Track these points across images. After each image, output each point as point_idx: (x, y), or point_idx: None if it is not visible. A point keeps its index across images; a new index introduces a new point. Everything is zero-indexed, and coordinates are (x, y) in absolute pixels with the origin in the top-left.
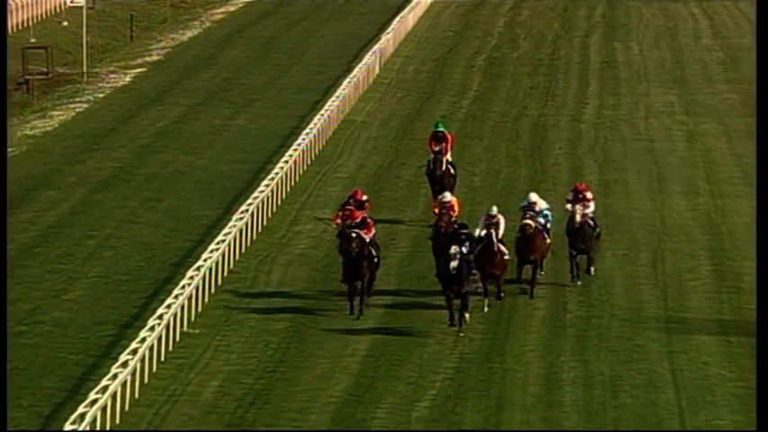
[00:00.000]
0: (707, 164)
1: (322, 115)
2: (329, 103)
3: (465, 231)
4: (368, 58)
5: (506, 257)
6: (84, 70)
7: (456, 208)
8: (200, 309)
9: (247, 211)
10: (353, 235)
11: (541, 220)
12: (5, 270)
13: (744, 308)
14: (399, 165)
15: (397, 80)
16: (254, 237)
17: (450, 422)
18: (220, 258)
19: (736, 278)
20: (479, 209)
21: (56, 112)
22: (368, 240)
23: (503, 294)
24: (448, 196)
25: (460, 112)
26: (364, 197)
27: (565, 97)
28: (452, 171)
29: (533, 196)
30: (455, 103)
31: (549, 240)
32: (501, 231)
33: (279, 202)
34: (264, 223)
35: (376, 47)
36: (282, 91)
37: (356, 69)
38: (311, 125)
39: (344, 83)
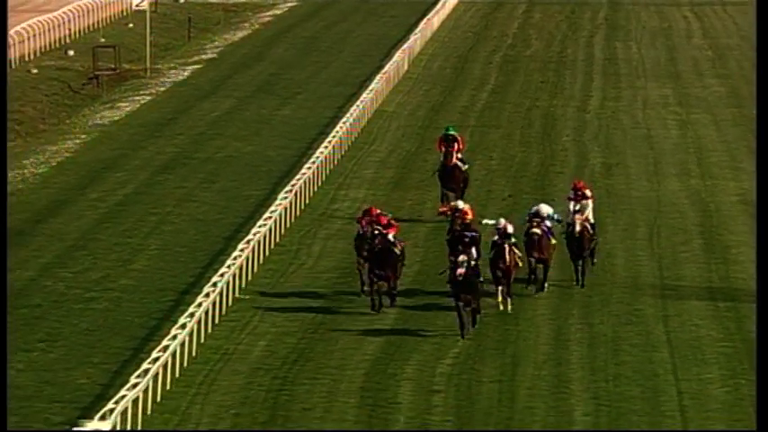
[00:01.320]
0: (697, 149)
1: (357, 106)
2: (363, 95)
3: (469, 234)
4: (398, 56)
5: (518, 260)
6: (148, 66)
7: (470, 215)
8: (249, 277)
9: (291, 190)
10: (376, 232)
11: (548, 223)
12: (5, 270)
13: (730, 277)
14: (425, 150)
15: (424, 75)
16: (298, 213)
17: (470, 377)
18: (267, 232)
19: (723, 250)
20: (497, 189)
21: (122, 104)
22: (392, 239)
23: (511, 296)
24: (461, 204)
25: (479, 104)
26: (377, 211)
27: (572, 90)
28: (463, 168)
29: (543, 208)
30: (474, 95)
31: (554, 241)
32: (511, 233)
33: (319, 183)
34: (306, 201)
35: (405, 45)
36: (322, 85)
37: (387, 65)
38: (348, 115)
39: (377, 77)
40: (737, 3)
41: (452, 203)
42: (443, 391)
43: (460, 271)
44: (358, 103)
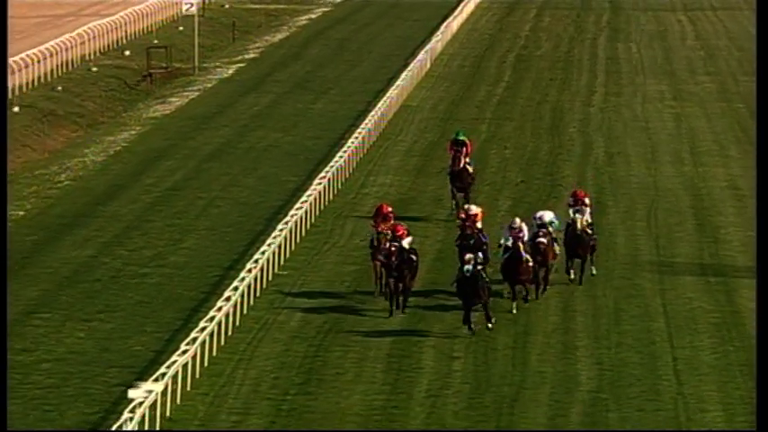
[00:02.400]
0: (690, 139)
1: (384, 101)
2: (390, 91)
3: (473, 239)
4: (421, 56)
5: (530, 264)
6: (196, 65)
7: (480, 218)
8: (288, 255)
9: (325, 177)
10: (393, 248)
11: (552, 230)
12: (5, 274)
13: (720, 254)
14: (446, 140)
15: (444, 73)
16: (331, 197)
17: (486, 345)
18: (304, 215)
19: (713, 230)
20: (510, 175)
21: (173, 99)
22: (407, 246)
23: (529, 297)
24: (474, 209)
25: (494, 99)
26: (389, 209)
27: (577, 86)
28: (470, 170)
29: (546, 215)
30: (490, 91)
31: (558, 248)
32: (525, 238)
33: (350, 170)
34: (339, 187)
35: (427, 46)
36: (353, 81)
37: (412, 64)
38: (376, 109)
39: (402, 75)
40: (727, 8)
41: (465, 206)
42: (462, 357)
43: (468, 267)
44: (385, 98)
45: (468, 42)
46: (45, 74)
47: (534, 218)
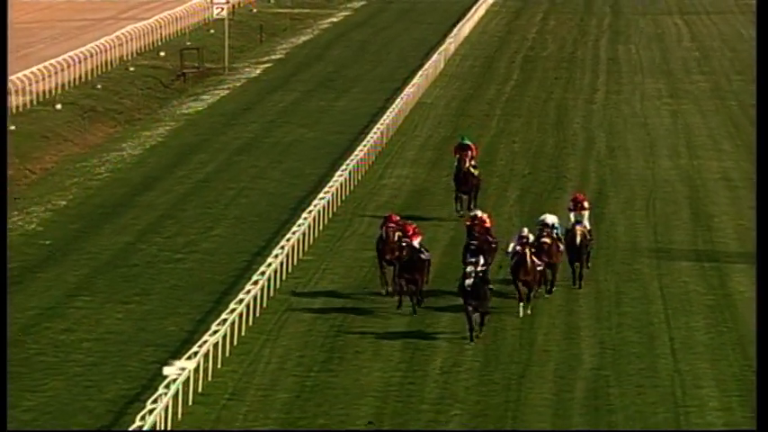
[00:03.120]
0: (686, 134)
1: (401, 98)
2: (407, 89)
3: (475, 243)
4: (435, 57)
5: (539, 268)
6: (226, 65)
7: (487, 222)
8: (311, 242)
9: (346, 169)
10: (404, 244)
11: (555, 232)
12: (6, 278)
13: (714, 241)
14: (458, 134)
15: (457, 72)
16: (352, 188)
17: (496, 325)
18: (326, 204)
19: (707, 219)
20: (518, 167)
21: (205, 97)
22: (418, 246)
23: (534, 295)
24: (479, 213)
25: (503, 96)
26: (397, 218)
27: (581, 85)
28: (475, 173)
29: (549, 218)
30: (499, 89)
31: (561, 247)
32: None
33: (370, 163)
34: (359, 178)
35: (441, 48)
36: (372, 81)
37: (426, 64)
38: (393, 106)
39: (418, 74)
40: (720, 12)
41: (472, 213)
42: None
43: (468, 282)
44: (402, 95)
45: (479, 44)
46: (86, 73)
47: (537, 222)
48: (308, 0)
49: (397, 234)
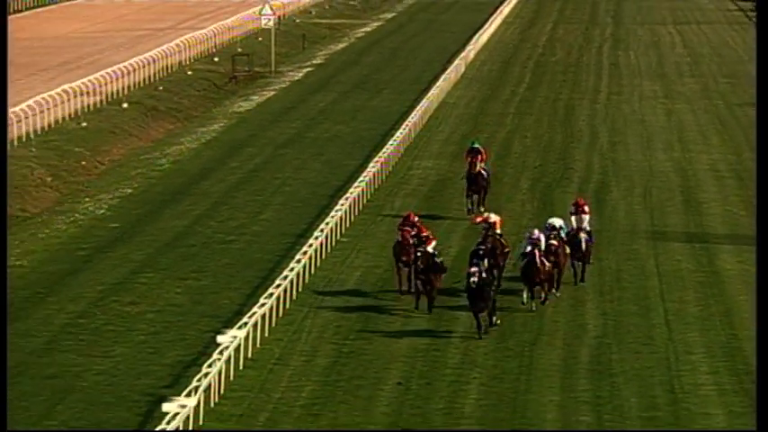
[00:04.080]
0: (679, 130)
1: (427, 99)
2: (432, 90)
3: (483, 248)
4: (457, 62)
5: (548, 268)
6: (273, 69)
7: (498, 225)
8: (347, 225)
9: (378, 161)
10: (419, 253)
11: (563, 235)
12: (5, 271)
13: (703, 224)
14: (477, 131)
15: (476, 76)
16: (384, 178)
17: (510, 300)
18: (361, 192)
19: (698, 205)
20: (530, 160)
21: (254, 97)
22: (431, 252)
23: (548, 299)
24: (493, 216)
25: (517, 97)
26: (416, 218)
27: (586, 87)
28: (485, 174)
29: (556, 221)
30: (514, 90)
31: (567, 250)
32: (543, 246)
33: (399, 155)
34: (390, 169)
35: (462, 54)
36: (401, 83)
37: (449, 69)
38: (420, 105)
39: (442, 77)
40: (709, 22)
41: (485, 215)
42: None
43: (474, 279)
44: (428, 96)
45: (496, 51)
46: (149, 77)
47: (546, 225)
48: (344, 12)
49: (412, 236)
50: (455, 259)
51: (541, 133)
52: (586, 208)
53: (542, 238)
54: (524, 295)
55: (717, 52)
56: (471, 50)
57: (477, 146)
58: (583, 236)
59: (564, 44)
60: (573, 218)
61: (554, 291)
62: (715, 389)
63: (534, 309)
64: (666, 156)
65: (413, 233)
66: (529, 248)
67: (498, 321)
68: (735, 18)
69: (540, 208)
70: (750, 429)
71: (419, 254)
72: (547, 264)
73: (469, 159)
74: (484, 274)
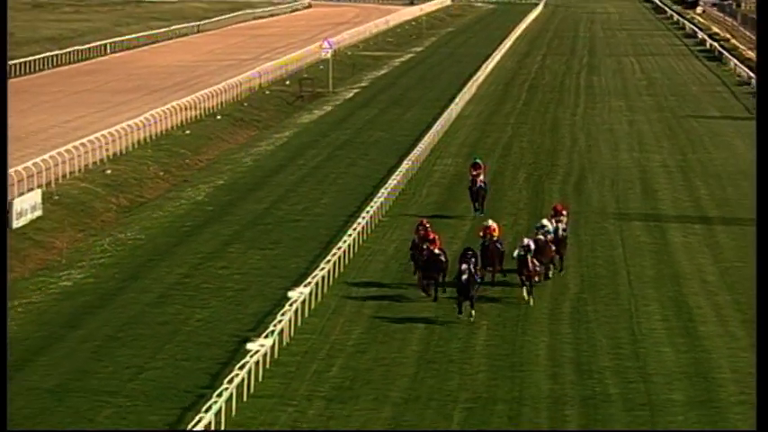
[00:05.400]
0: (638, 136)
1: (448, 112)
2: (451, 106)
3: (471, 251)
4: (469, 84)
5: (538, 268)
6: (330, 90)
7: (496, 230)
8: (387, 208)
9: (410, 160)
10: (424, 248)
11: (550, 236)
12: (5, 271)
13: (658, 207)
14: (486, 137)
15: (484, 94)
16: (415, 172)
17: (507, 268)
18: (396, 183)
19: (652, 192)
20: (525, 158)
21: (316, 111)
22: (437, 251)
23: (532, 293)
24: (490, 222)
25: (516, 110)
26: (428, 224)
27: (568, 103)
28: (484, 187)
29: (546, 222)
30: (513, 105)
31: (553, 247)
32: (532, 250)
33: (426, 155)
34: (419, 165)
35: (474, 78)
36: (427, 100)
37: (464, 88)
38: (442, 117)
39: (458, 96)
40: (660, 54)
41: (484, 223)
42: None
43: (465, 277)
44: (448, 110)
45: (499, 76)
46: (236, 95)
47: (537, 225)
48: (384, 46)
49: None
50: (456, 255)
51: (534, 138)
52: (564, 212)
53: (531, 244)
54: (524, 291)
55: (666, 76)
56: (480, 75)
57: (478, 161)
58: (561, 234)
59: (551, 71)
60: (553, 220)
61: (551, 271)
62: (665, 332)
63: (531, 303)
64: (629, 155)
65: (422, 234)
66: (522, 252)
67: (472, 319)
68: (680, 51)
69: (533, 194)
70: (750, 430)
71: (425, 253)
72: (536, 264)
73: (472, 173)
74: (469, 274)
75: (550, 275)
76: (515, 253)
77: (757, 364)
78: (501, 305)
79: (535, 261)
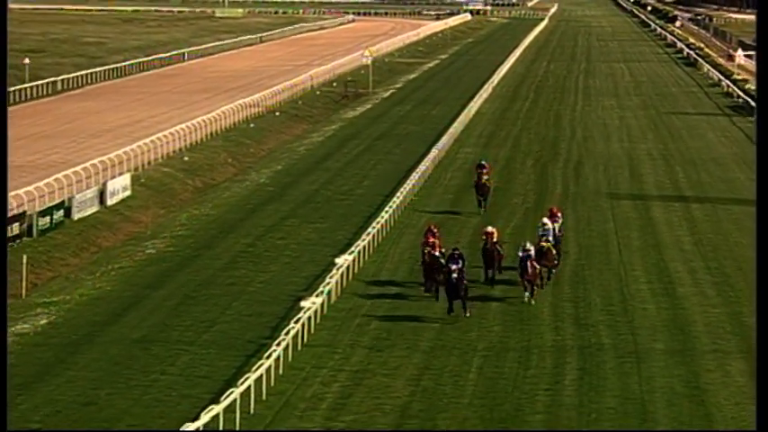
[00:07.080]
0: (627, 129)
1: (468, 109)
2: (470, 104)
3: (458, 252)
4: (486, 86)
5: (537, 270)
6: (370, 90)
7: (495, 235)
8: (417, 190)
9: (437, 149)
10: (425, 252)
11: (551, 240)
12: (5, 272)
13: (643, 188)
14: (500, 129)
15: (499, 94)
16: (441, 159)
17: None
18: (425, 168)
19: (639, 177)
20: (533, 148)
21: (359, 108)
22: (437, 254)
23: (534, 295)
24: (490, 228)
25: (525, 108)
26: (435, 229)
27: (568, 102)
28: (488, 185)
29: (547, 221)
30: (522, 104)
31: (554, 252)
32: (532, 252)
33: (450, 145)
34: (444, 153)
35: (489, 80)
36: (451, 99)
37: (482, 90)
38: (463, 113)
39: (477, 96)
40: (645, 61)
41: (484, 228)
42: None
43: (455, 276)
44: (468, 107)
45: (511, 79)
46: (293, 95)
47: (539, 225)
48: (415, 54)
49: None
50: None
51: (540, 131)
52: (559, 214)
53: (533, 249)
54: (525, 294)
55: (651, 80)
56: (495, 78)
57: (483, 162)
58: (557, 235)
59: (554, 75)
60: (549, 221)
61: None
62: (649, 292)
63: (532, 303)
64: (619, 145)
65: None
66: (524, 253)
67: (469, 315)
68: (662, 58)
69: (539, 176)
70: (750, 430)
71: (427, 257)
72: (537, 266)
73: (477, 172)
74: (459, 274)
75: (551, 277)
76: (520, 250)
77: (758, 365)
78: (511, 274)
79: (536, 264)
